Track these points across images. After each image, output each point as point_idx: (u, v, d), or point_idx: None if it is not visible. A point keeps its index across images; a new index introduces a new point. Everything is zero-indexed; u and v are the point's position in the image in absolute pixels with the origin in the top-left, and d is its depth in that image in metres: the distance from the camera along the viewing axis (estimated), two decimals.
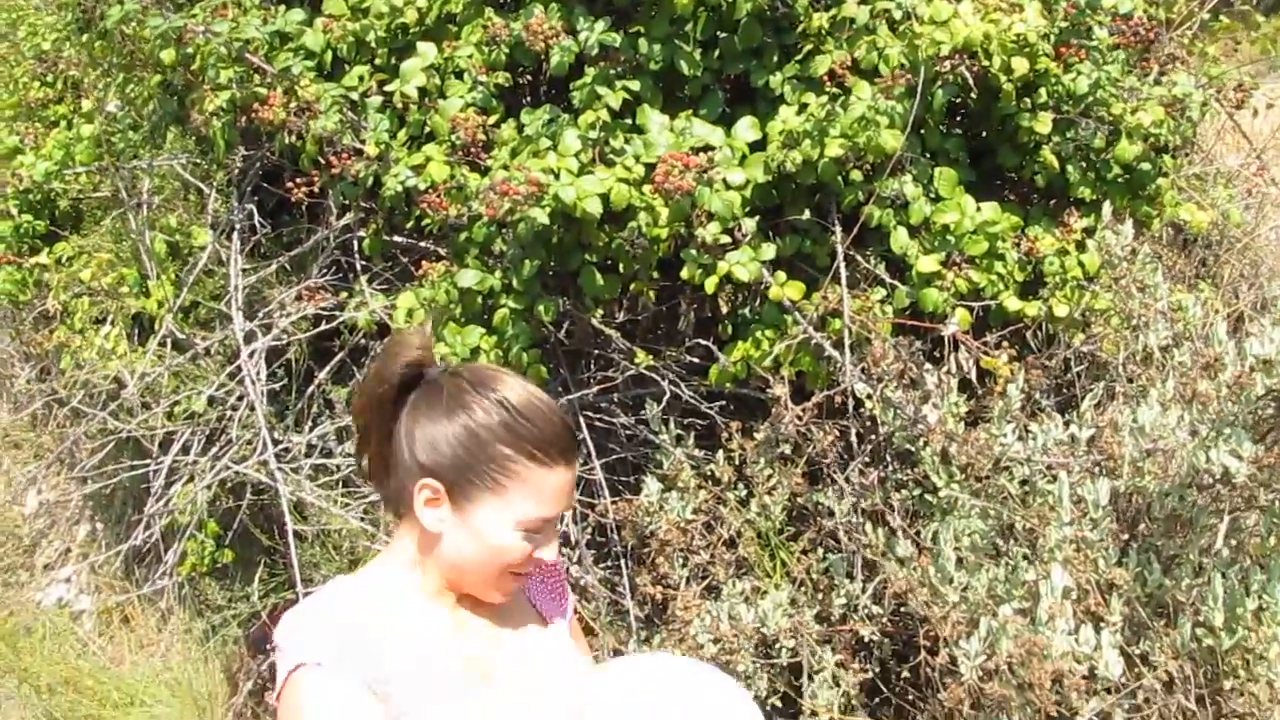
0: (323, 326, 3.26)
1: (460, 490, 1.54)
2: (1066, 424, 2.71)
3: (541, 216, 2.78)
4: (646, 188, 2.87)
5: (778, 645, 2.74)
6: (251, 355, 3.16)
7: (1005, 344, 2.77)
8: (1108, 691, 2.38)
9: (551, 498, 1.55)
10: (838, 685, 2.68)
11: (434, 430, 1.54)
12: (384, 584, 1.62)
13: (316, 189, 3.20)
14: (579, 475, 3.08)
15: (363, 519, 3.09)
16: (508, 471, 1.52)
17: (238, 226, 3.43)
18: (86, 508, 4.92)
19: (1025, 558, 2.63)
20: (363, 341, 3.34)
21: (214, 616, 3.77)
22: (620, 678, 1.63)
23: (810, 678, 2.71)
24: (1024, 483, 2.72)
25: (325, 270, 3.29)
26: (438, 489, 1.54)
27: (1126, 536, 2.68)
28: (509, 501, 1.53)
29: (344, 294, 3.26)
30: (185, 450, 3.45)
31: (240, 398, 3.28)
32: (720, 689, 1.64)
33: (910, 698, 2.75)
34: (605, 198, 2.81)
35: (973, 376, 2.84)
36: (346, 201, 3.25)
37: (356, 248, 3.31)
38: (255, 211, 3.44)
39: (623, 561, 3.06)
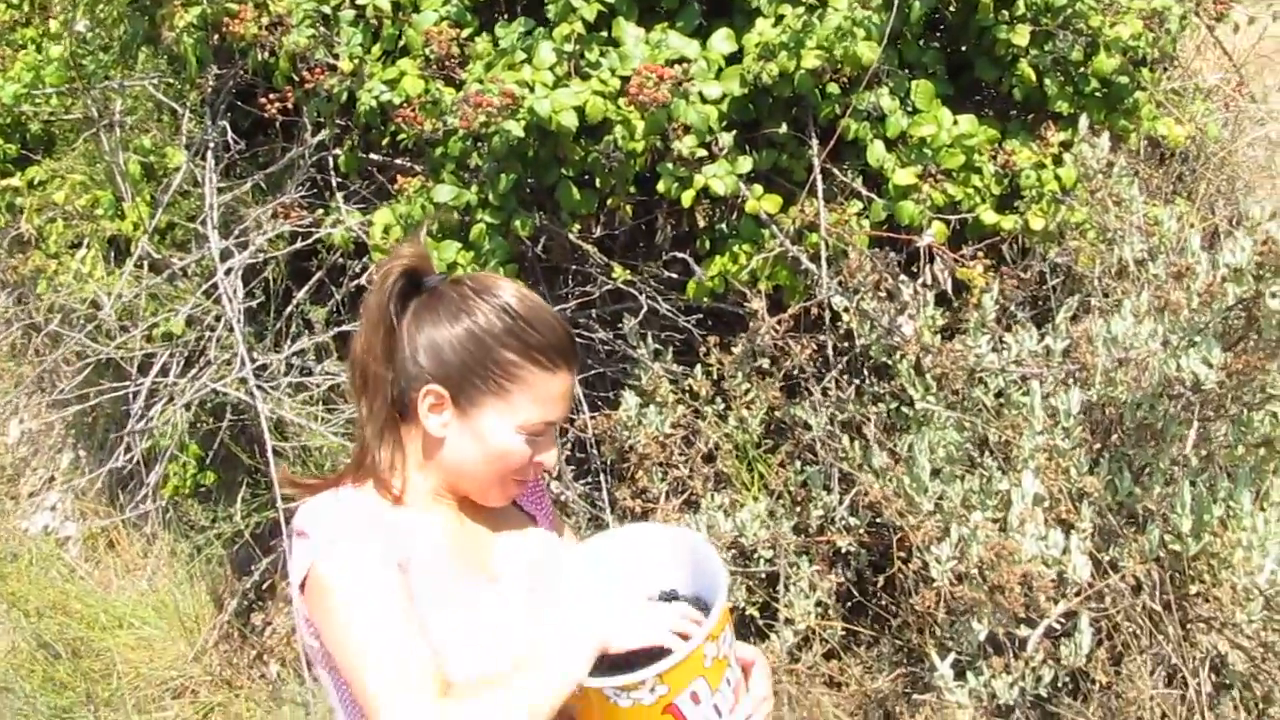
0: (299, 244, 3.24)
1: (464, 395, 1.57)
2: (1041, 336, 2.72)
3: (516, 129, 2.76)
4: (622, 101, 2.84)
5: (756, 556, 2.78)
6: (228, 273, 3.14)
7: (981, 256, 2.77)
8: (1076, 595, 2.42)
9: (554, 402, 1.58)
10: (814, 593, 2.71)
11: (437, 335, 1.57)
12: (387, 488, 1.64)
13: (290, 105, 3.17)
14: None
15: (342, 435, 3.11)
16: (511, 376, 1.56)
17: (212, 146, 3.40)
18: (69, 435, 4.93)
19: (999, 469, 2.66)
20: (340, 260, 3.33)
21: (198, 537, 3.79)
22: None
23: (787, 587, 2.75)
24: (999, 394, 2.74)
25: (301, 188, 3.26)
26: (441, 394, 1.57)
27: (1098, 446, 2.71)
28: (512, 405, 1.56)
29: (320, 211, 3.23)
30: (164, 372, 3.45)
31: (218, 318, 3.27)
32: (667, 530, 1.70)
33: (884, 603, 2.79)
34: (580, 111, 2.79)
35: (948, 288, 2.85)
36: (321, 118, 3.22)
37: (332, 165, 3.29)
38: (229, 130, 3.40)
39: (602, 476, 3.09)
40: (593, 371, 3.16)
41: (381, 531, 1.53)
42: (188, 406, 3.27)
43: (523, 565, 1.70)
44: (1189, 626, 2.72)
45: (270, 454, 3.01)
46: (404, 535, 1.57)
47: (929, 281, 2.88)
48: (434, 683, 1.42)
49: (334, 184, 3.26)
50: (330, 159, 3.29)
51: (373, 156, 3.26)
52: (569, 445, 3.09)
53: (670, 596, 1.68)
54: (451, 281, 1.61)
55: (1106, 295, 2.95)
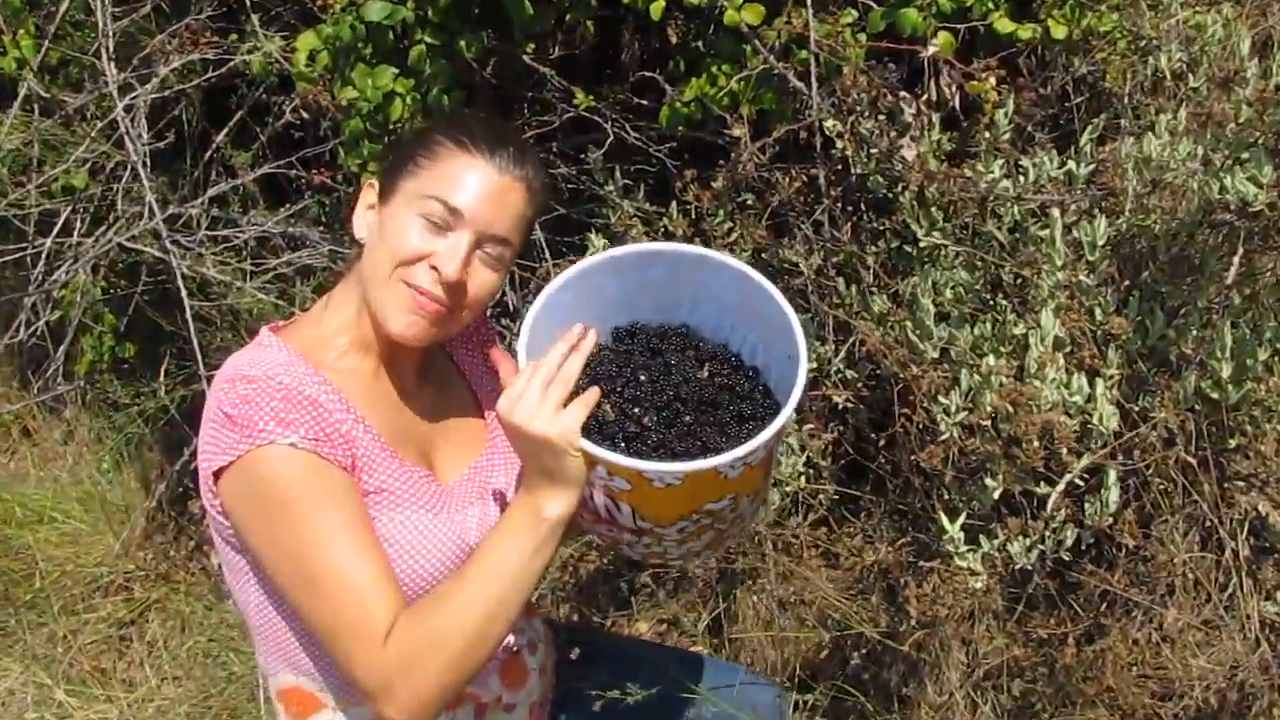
0: (213, 76, 3.09)
1: (390, 182, 1.62)
2: (1063, 160, 2.64)
3: None
4: None
5: None
6: (129, 112, 2.99)
7: (994, 69, 2.66)
8: (1102, 448, 2.37)
9: (463, 185, 1.57)
10: (805, 455, 2.66)
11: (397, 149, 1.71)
12: (313, 341, 1.64)
13: None
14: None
15: (276, 294, 3.01)
16: (430, 152, 1.59)
17: None
18: None
19: (1015, 311, 2.60)
20: (264, 97, 3.19)
21: (120, 417, 3.72)
22: None
23: None
24: (1014, 227, 2.67)
25: (210, 7, 3.09)
26: (374, 185, 1.66)
27: (1127, 283, 2.65)
28: (421, 181, 1.58)
29: (234, 38, 3.08)
30: (67, 231, 3.32)
31: (125, 165, 3.13)
32: None
33: (886, 464, 2.76)
34: None
35: (957, 106, 2.74)
36: None
37: None
38: None
39: None
40: (555, 214, 3.08)
41: (328, 425, 1.51)
42: (95, 269, 3.15)
43: (466, 474, 1.72)
44: (1226, 484, 2.69)
45: (189, 316, 2.91)
46: (348, 425, 1.55)
47: (934, 100, 2.76)
48: (391, 616, 1.46)
49: (249, 5, 3.09)
50: None
51: None
52: (530, 294, 3.00)
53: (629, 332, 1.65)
54: None
55: (1138, 115, 2.85)
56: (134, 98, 3.04)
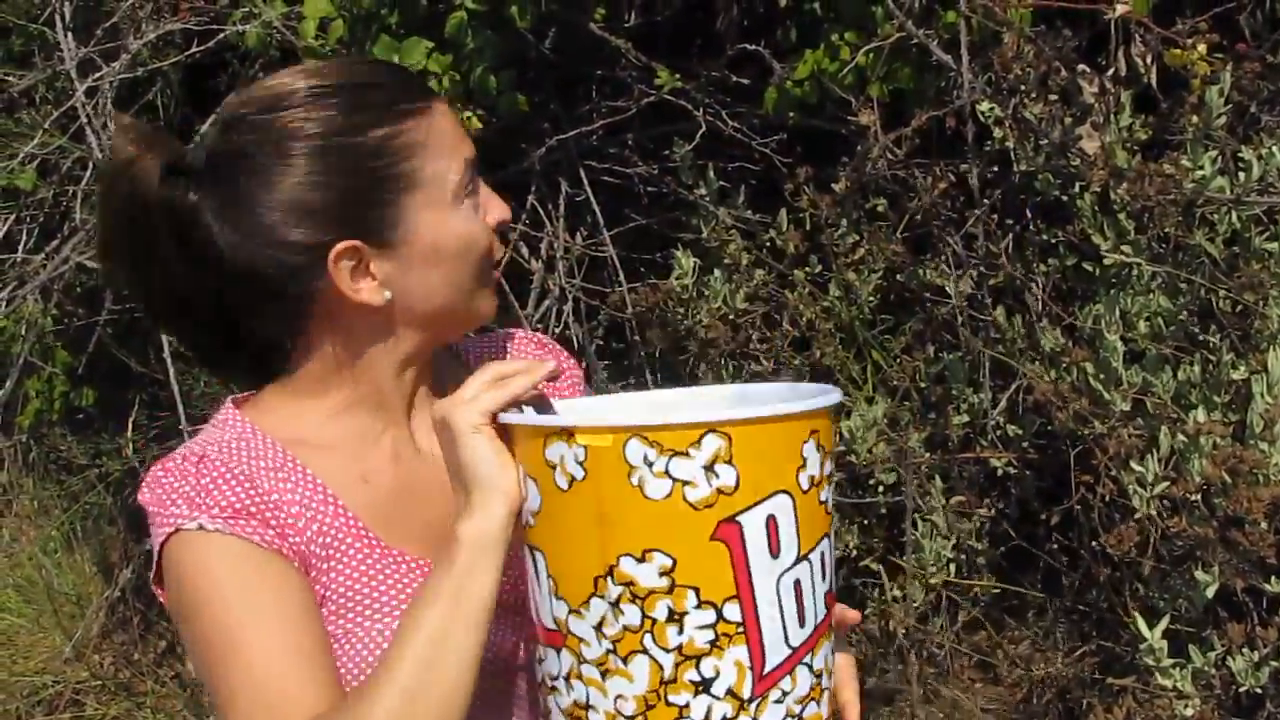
0: (196, 51, 3.17)
1: (373, 224, 1.57)
2: None
3: None
4: None
5: (872, 482, 2.78)
6: (92, 97, 3.09)
7: (1204, 32, 2.68)
8: None
9: (455, 137, 1.62)
10: (954, 537, 2.70)
11: (280, 194, 1.54)
12: (288, 416, 1.64)
13: None
14: (583, 253, 3.08)
15: None
16: (396, 150, 1.57)
17: None
18: None
19: (1233, 350, 2.62)
20: (259, 75, 3.26)
21: (72, 481, 3.80)
22: None
23: (915, 525, 2.73)
24: (1231, 240, 2.69)
25: None
26: (356, 247, 1.56)
27: None
28: (429, 178, 1.58)
29: (223, 2, 3.17)
30: (11, 245, 3.43)
31: (83, 162, 3.22)
32: None
33: (1060, 549, 2.78)
34: None
35: (1153, 80, 2.76)
36: None
37: None
38: None
39: (649, 373, 3.08)
40: (631, 224, 3.13)
41: (256, 498, 1.53)
42: (46, 293, 3.24)
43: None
44: None
45: (168, 355, 2.98)
46: (299, 508, 1.56)
47: (1123, 74, 2.79)
48: (318, 708, 1.44)
49: None
50: None
51: None
52: (600, 331, 3.04)
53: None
54: (221, 131, 1.57)
55: None
56: (97, 79, 3.12)
